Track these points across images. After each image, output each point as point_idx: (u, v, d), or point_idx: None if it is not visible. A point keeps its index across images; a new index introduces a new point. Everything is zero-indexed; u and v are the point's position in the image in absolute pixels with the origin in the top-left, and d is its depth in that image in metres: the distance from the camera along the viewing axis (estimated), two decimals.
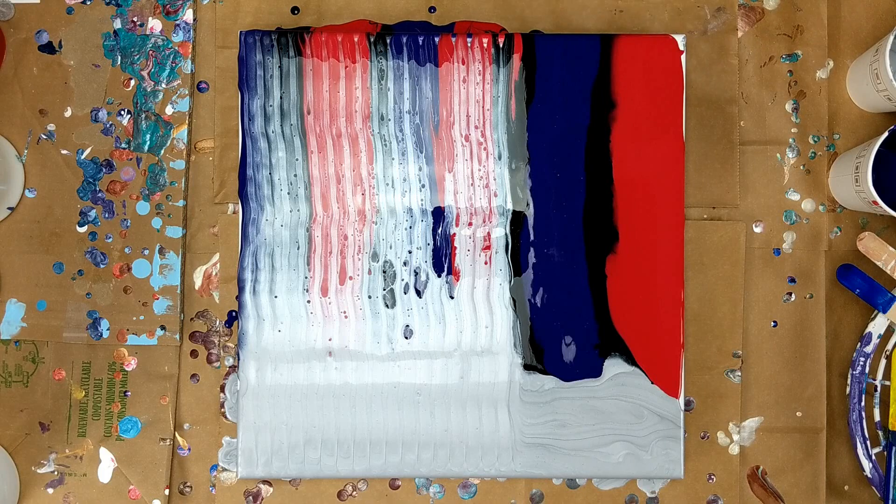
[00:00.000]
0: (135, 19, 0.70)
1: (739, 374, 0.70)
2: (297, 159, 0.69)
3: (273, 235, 0.68)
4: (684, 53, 0.69)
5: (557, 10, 0.71)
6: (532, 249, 0.68)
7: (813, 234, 0.71)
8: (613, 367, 0.68)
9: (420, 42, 0.69)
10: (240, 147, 0.69)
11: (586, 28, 0.71)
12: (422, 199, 0.69)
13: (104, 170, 0.70)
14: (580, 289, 0.68)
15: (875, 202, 0.64)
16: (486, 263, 0.69)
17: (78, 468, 0.69)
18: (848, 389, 0.69)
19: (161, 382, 0.69)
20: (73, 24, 0.70)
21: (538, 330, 0.68)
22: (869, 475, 0.68)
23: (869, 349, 0.69)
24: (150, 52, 0.70)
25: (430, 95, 0.69)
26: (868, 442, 0.68)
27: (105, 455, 0.69)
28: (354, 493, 0.69)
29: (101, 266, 0.69)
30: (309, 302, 0.68)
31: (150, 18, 0.70)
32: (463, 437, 0.68)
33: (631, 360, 0.68)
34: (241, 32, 0.69)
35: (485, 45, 0.69)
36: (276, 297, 0.68)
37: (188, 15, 0.70)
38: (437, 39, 0.69)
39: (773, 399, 0.70)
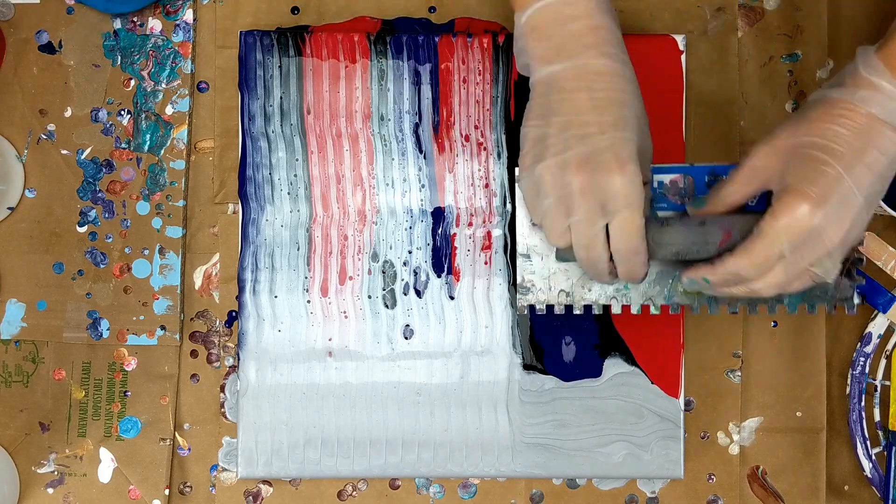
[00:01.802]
0: (135, 19, 0.70)
1: (739, 374, 0.70)
2: (297, 159, 0.69)
3: (273, 235, 0.68)
4: (684, 53, 0.69)
5: None
6: None
7: None
8: (613, 366, 0.68)
9: (420, 42, 0.69)
10: (240, 147, 0.69)
11: None
12: (422, 200, 0.69)
13: (104, 170, 0.70)
14: None
15: None
16: (486, 263, 0.69)
17: (78, 468, 0.69)
18: (848, 389, 0.69)
19: (161, 382, 0.69)
20: (73, 24, 0.70)
21: (538, 330, 0.68)
22: (869, 475, 0.68)
23: (869, 349, 0.69)
24: (150, 52, 0.70)
25: (430, 95, 0.69)
26: (868, 442, 0.68)
27: (105, 455, 0.69)
28: (354, 493, 0.69)
29: (101, 266, 0.69)
30: (309, 302, 0.68)
31: (150, 18, 0.70)
32: (463, 437, 0.68)
33: (631, 360, 0.68)
34: (240, 32, 0.69)
35: (485, 45, 0.69)
36: (276, 296, 0.68)
37: (188, 15, 0.70)
38: (437, 39, 0.69)
39: (773, 399, 0.70)
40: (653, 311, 0.60)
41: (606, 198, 0.50)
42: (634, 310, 0.59)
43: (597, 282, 0.56)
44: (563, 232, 0.52)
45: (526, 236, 0.60)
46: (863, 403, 0.69)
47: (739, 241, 0.51)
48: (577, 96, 0.50)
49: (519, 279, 0.60)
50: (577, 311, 0.60)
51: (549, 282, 0.60)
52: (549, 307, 0.60)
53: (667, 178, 0.58)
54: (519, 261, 0.60)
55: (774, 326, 0.70)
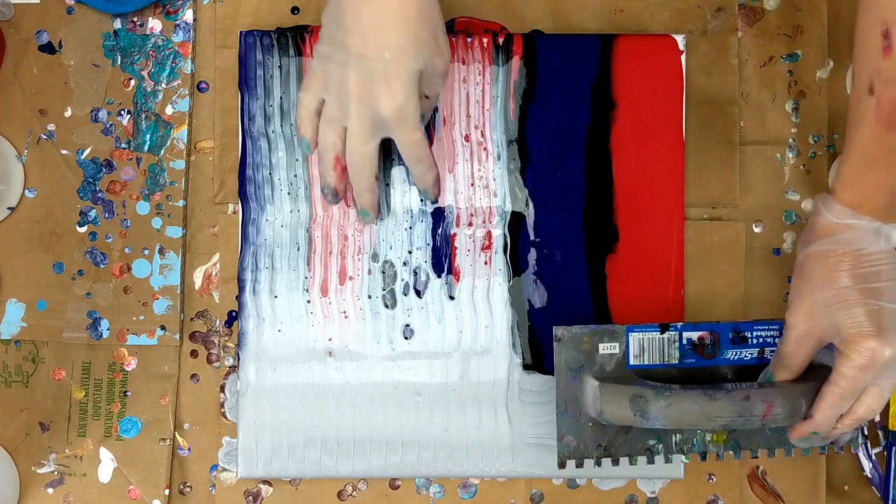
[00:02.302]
0: (135, 19, 0.70)
1: None
2: (297, 159, 0.69)
3: (273, 236, 0.68)
4: (684, 53, 0.69)
5: (557, 10, 0.71)
6: (532, 249, 0.68)
7: None
8: None
9: None
10: (240, 147, 0.69)
11: (586, 28, 0.71)
12: (422, 199, 0.69)
13: (104, 170, 0.70)
14: (580, 289, 0.68)
15: None
16: (486, 263, 0.68)
17: (78, 468, 0.69)
18: None
19: (161, 382, 0.69)
20: (73, 24, 0.70)
21: (538, 330, 0.68)
22: (869, 475, 0.68)
23: None
24: (150, 52, 0.70)
25: None
26: (868, 442, 0.68)
27: (105, 455, 0.69)
28: (354, 493, 0.69)
29: (101, 266, 0.69)
30: (309, 302, 0.68)
31: (150, 18, 0.70)
32: (463, 437, 0.68)
33: None
34: (240, 32, 0.69)
35: (485, 44, 0.69)
36: (276, 296, 0.68)
37: (188, 15, 0.70)
38: None
39: None
40: (684, 459, 0.65)
41: (379, 120, 0.55)
42: (666, 461, 0.64)
43: (325, 195, 0.61)
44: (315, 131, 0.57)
45: (564, 392, 0.63)
46: None
47: (781, 412, 0.58)
48: (360, 6, 0.52)
49: (558, 436, 0.63)
50: (614, 466, 0.64)
51: (586, 434, 0.63)
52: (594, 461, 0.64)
53: (694, 336, 0.64)
54: (558, 418, 0.63)
55: None
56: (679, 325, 0.64)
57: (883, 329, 0.54)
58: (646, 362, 0.64)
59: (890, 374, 0.56)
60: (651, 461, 0.63)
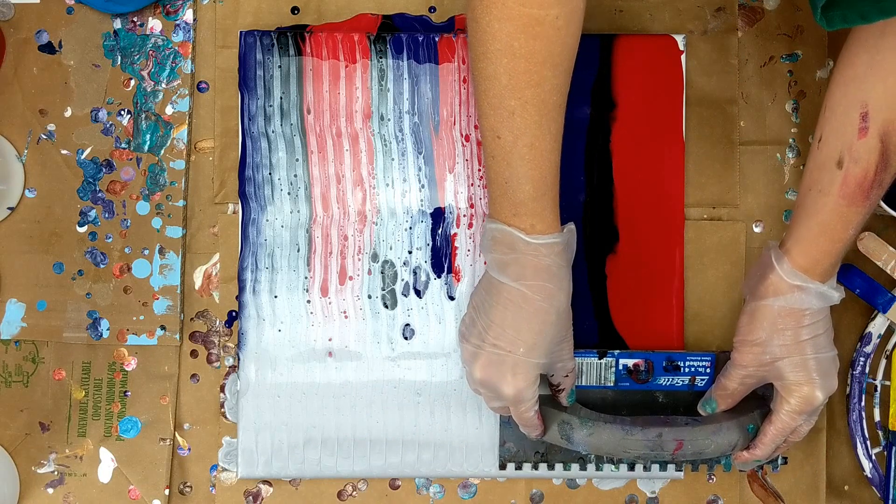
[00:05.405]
0: (135, 19, 0.70)
1: None
2: (297, 159, 0.69)
3: (273, 236, 0.68)
4: (684, 53, 0.69)
5: None
6: None
7: None
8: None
9: (420, 41, 0.69)
10: (240, 147, 0.69)
11: (586, 28, 0.70)
12: (422, 200, 0.69)
13: (104, 170, 0.70)
14: (580, 289, 0.68)
15: None
16: (486, 264, 0.68)
17: (78, 468, 0.69)
18: (848, 389, 0.69)
19: (161, 382, 0.69)
20: (73, 24, 0.70)
21: None
22: (869, 475, 0.68)
23: (869, 349, 0.69)
24: (150, 52, 0.70)
25: (430, 95, 0.69)
26: (868, 442, 0.68)
27: (105, 455, 0.69)
28: (354, 493, 0.69)
29: (101, 266, 0.69)
30: (309, 302, 0.68)
31: (150, 18, 0.70)
32: (463, 437, 0.68)
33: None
34: (241, 32, 0.69)
35: None
36: (276, 296, 0.68)
37: (188, 15, 0.70)
38: (436, 39, 0.69)
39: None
40: (613, 469, 0.68)
41: (499, 396, 0.61)
42: (597, 469, 0.68)
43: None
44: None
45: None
46: (863, 403, 0.69)
47: (690, 450, 0.63)
48: (507, 308, 0.59)
49: (500, 441, 0.68)
50: (550, 469, 0.68)
51: (525, 442, 0.67)
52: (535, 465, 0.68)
53: (630, 362, 0.67)
54: (501, 426, 0.68)
55: None
56: (616, 352, 0.67)
57: (817, 377, 0.61)
58: (583, 384, 0.67)
59: (818, 411, 0.63)
60: (583, 468, 0.67)
